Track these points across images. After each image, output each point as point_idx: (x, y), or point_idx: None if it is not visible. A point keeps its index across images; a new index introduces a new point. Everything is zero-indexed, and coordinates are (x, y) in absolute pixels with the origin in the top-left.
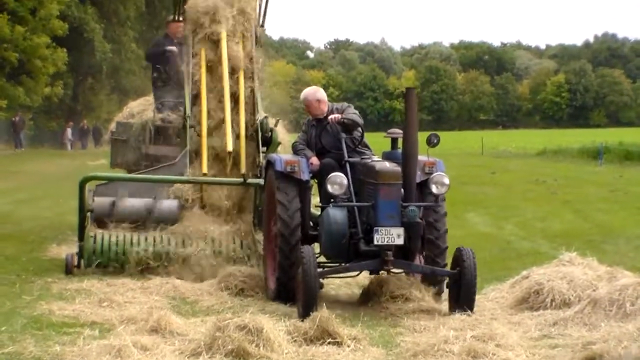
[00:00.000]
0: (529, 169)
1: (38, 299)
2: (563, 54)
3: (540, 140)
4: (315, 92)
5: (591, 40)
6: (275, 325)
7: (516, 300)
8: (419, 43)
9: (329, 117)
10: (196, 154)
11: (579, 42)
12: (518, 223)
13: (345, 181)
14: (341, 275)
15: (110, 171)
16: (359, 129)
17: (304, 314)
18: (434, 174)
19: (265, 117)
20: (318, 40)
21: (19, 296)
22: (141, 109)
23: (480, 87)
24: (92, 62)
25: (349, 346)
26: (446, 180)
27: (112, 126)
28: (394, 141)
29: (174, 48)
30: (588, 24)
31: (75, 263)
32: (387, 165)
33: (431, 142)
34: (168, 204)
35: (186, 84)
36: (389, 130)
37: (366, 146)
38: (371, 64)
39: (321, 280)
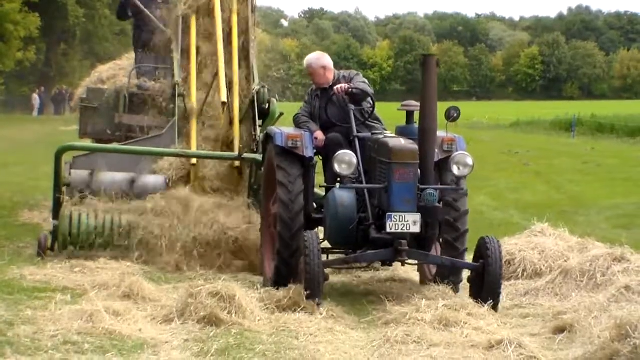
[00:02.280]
0: (502, 140)
1: (9, 264)
2: (537, 26)
3: (514, 111)
4: (319, 58)
5: (565, 12)
6: (248, 293)
7: None
8: (394, 13)
9: (335, 87)
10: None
11: (552, 14)
12: (491, 194)
13: (354, 160)
14: (349, 266)
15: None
16: (369, 99)
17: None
18: (456, 153)
19: (263, 87)
20: (292, 9)
21: None
22: (111, 73)
23: (454, 58)
24: (65, 28)
25: (321, 314)
26: (469, 161)
27: (81, 92)
28: (409, 115)
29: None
30: None
31: (49, 245)
32: (402, 142)
33: (451, 116)
34: (153, 180)
35: (174, 49)
36: (404, 103)
37: (377, 119)
38: (345, 33)
39: (326, 270)
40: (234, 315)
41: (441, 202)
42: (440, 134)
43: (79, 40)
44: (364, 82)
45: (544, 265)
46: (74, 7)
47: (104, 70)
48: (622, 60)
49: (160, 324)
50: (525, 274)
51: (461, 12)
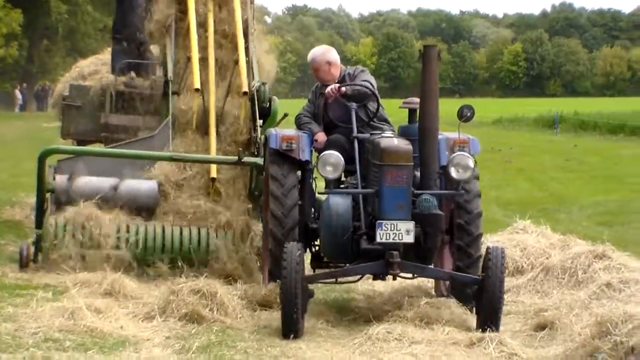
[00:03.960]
0: (484, 137)
1: None
2: (520, 23)
3: (497, 108)
4: (324, 53)
5: (548, 9)
6: (229, 290)
7: None
8: (377, 10)
9: (327, 89)
10: (179, 124)
11: (536, 12)
12: None
13: (341, 161)
14: (338, 281)
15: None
16: (375, 99)
17: (285, 329)
18: (455, 154)
19: (263, 84)
20: (276, 5)
21: None
22: (93, 69)
23: None
24: (47, 24)
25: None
26: (470, 163)
27: (61, 88)
28: (411, 113)
29: None
30: None
31: (32, 256)
32: (395, 142)
33: (464, 115)
34: (145, 186)
35: (168, 43)
36: (406, 100)
37: (385, 120)
38: (329, 30)
39: (311, 286)
40: (215, 312)
41: (451, 208)
42: (453, 135)
43: (61, 37)
44: (368, 81)
45: (525, 263)
46: (56, 3)
47: (85, 65)
48: (605, 58)
49: (142, 321)
50: (506, 271)
51: (444, 9)
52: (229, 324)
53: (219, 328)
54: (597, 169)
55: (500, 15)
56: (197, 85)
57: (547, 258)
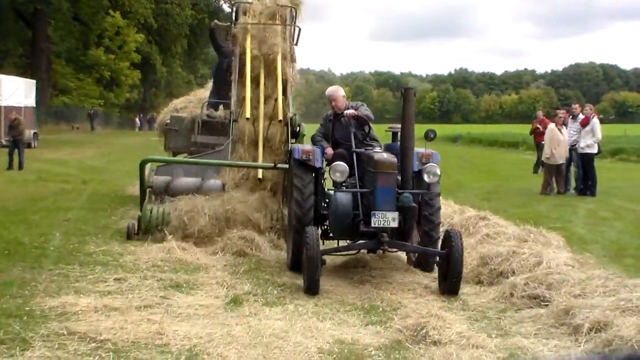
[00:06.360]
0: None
1: (121, 219)
2: (436, 80)
3: (421, 131)
4: (337, 89)
5: (453, 72)
6: (262, 237)
7: None
8: (351, 71)
9: (345, 112)
10: (238, 142)
11: (445, 72)
12: None
13: (347, 169)
14: (342, 253)
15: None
16: (368, 123)
17: (309, 289)
18: (427, 165)
19: (294, 115)
20: None
21: (109, 217)
22: (183, 105)
23: (387, 99)
24: (154, 79)
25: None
26: (438, 171)
27: (166, 117)
28: (394, 135)
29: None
30: (450, 61)
31: (135, 230)
32: (385, 156)
33: (428, 137)
34: (214, 184)
35: (233, 87)
36: (390, 126)
37: (375, 139)
38: (322, 83)
39: (324, 257)
40: (254, 250)
41: (419, 203)
42: (420, 150)
43: (162, 86)
44: (368, 111)
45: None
46: (160, 66)
47: (178, 102)
48: (486, 101)
49: (210, 255)
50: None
51: (391, 71)
52: (262, 258)
53: (256, 260)
54: (481, 166)
55: (424, 75)
56: (248, 115)
57: (451, 219)
